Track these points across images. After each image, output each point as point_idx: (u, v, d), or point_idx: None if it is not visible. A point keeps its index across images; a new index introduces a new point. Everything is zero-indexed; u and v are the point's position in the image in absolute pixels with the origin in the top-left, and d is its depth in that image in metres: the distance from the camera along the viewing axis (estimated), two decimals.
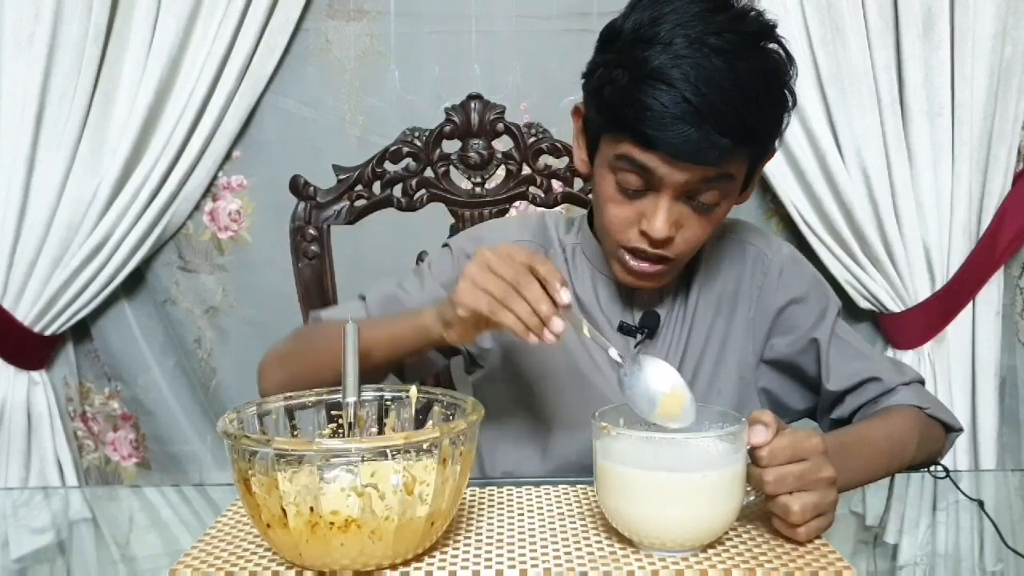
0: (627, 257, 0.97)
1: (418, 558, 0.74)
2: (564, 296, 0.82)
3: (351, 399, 0.79)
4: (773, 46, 0.92)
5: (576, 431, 1.05)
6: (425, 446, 0.69)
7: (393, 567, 0.72)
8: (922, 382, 1.09)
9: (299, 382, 0.89)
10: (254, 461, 0.69)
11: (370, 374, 0.91)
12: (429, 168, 1.34)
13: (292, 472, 0.69)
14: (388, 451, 0.68)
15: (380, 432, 0.84)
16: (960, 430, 1.08)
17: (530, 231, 1.11)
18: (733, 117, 0.87)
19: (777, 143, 0.98)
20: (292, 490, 0.68)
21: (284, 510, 0.68)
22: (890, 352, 1.82)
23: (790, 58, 0.93)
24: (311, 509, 0.68)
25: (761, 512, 0.81)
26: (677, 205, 0.93)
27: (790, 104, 0.94)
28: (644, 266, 0.97)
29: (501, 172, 1.36)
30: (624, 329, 1.05)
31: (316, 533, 0.68)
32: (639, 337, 1.04)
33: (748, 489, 0.76)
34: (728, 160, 0.90)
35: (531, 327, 0.82)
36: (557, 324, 0.81)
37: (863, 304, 1.79)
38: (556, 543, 0.77)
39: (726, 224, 1.09)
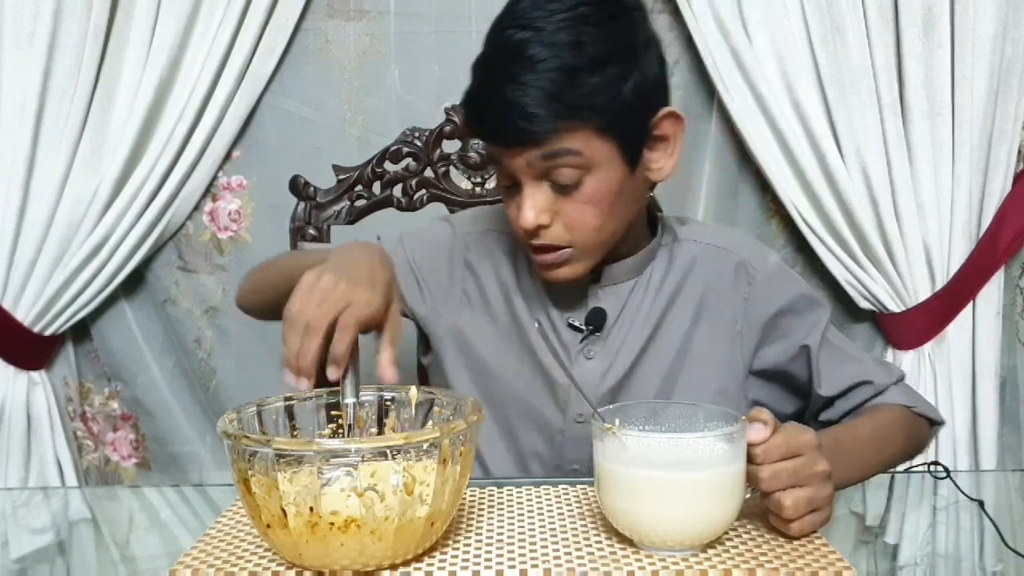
0: (531, 252, 0.99)
1: (418, 558, 0.74)
2: (331, 373, 0.78)
3: (350, 400, 0.79)
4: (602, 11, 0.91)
5: (539, 422, 1.06)
6: (425, 446, 0.69)
7: (393, 567, 0.72)
8: (904, 377, 1.09)
9: (259, 295, 1.09)
10: (254, 461, 0.69)
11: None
12: (429, 168, 1.34)
13: (292, 472, 0.69)
14: (388, 451, 0.68)
15: (380, 432, 0.84)
16: (942, 423, 1.09)
17: (502, 220, 1.10)
18: (531, 93, 0.88)
19: (658, 107, 0.96)
20: (292, 490, 0.68)
21: (284, 510, 0.68)
22: (890, 352, 1.82)
23: (631, 20, 0.93)
24: (311, 509, 0.68)
25: (761, 511, 0.81)
26: (540, 191, 0.93)
27: (626, 67, 0.91)
28: (544, 257, 0.97)
29: None
30: (572, 327, 1.05)
31: (316, 533, 0.68)
32: (585, 332, 1.04)
33: (747, 487, 0.76)
34: (555, 135, 0.89)
35: (290, 367, 0.78)
36: (303, 383, 0.78)
37: (863, 304, 1.79)
38: (556, 543, 0.77)
39: (709, 230, 1.10)
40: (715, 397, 1.04)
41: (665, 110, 0.96)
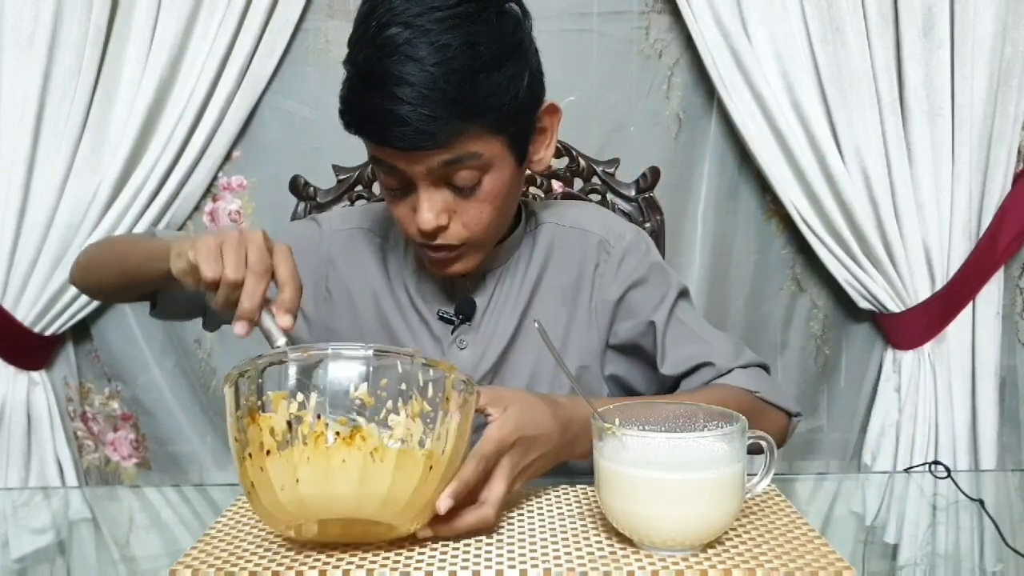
0: (423, 250, 0.97)
1: (419, 559, 0.74)
2: (284, 319, 0.80)
3: (283, 340, 0.79)
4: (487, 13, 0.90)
5: None
6: (433, 377, 0.72)
7: (389, 545, 0.72)
8: (765, 367, 1.07)
9: (96, 275, 1.07)
10: (267, 381, 0.71)
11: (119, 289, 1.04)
12: None
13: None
14: (399, 363, 0.72)
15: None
16: (798, 415, 1.05)
17: (370, 219, 1.11)
18: (433, 96, 0.85)
19: (539, 104, 0.97)
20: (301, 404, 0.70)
21: (290, 424, 0.69)
22: (890, 352, 1.82)
23: (513, 15, 0.92)
24: (318, 417, 0.69)
25: (762, 512, 0.81)
26: (439, 193, 0.92)
27: (519, 65, 0.92)
28: (440, 255, 0.97)
29: None
30: (443, 318, 1.05)
31: (319, 447, 0.68)
32: (456, 322, 1.04)
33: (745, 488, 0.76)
34: (458, 139, 0.88)
35: (240, 315, 0.79)
36: (240, 327, 0.79)
37: (863, 304, 1.79)
38: (556, 543, 0.77)
39: (571, 212, 1.11)
40: (577, 372, 1.06)
41: (547, 103, 0.98)
